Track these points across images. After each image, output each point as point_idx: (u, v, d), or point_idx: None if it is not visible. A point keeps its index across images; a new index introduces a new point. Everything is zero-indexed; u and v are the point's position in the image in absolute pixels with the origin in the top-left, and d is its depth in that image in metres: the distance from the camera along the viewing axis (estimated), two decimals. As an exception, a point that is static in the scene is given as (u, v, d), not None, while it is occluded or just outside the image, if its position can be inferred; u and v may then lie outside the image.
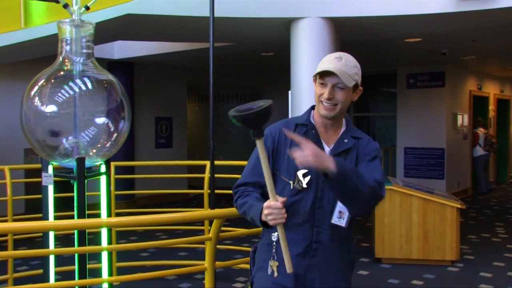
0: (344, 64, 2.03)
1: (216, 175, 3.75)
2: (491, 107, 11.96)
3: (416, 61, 9.52)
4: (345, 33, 5.95)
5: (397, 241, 5.63)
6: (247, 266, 4.83)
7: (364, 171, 2.03)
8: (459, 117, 10.29)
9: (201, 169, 5.32)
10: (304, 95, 5.36)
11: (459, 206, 5.56)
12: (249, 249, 5.88)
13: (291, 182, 2.08)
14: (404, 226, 5.61)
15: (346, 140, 2.12)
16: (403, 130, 10.26)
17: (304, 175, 2.07)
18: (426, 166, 10.00)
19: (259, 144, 1.87)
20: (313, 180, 2.07)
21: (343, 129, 2.16)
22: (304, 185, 2.06)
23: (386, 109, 11.26)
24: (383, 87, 11.64)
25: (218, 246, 3.80)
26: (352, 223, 2.13)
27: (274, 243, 2.10)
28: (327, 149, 2.11)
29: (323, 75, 2.04)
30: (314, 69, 2.13)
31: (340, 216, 2.08)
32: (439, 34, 6.68)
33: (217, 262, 3.03)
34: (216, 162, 3.96)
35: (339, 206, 2.06)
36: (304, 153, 1.81)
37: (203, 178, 5.24)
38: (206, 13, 4.08)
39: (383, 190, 2.05)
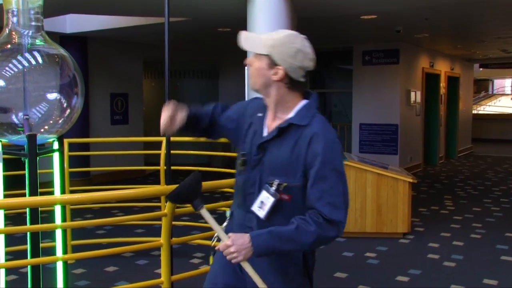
0: (266, 34, 1.90)
1: (172, 151, 3.72)
2: (442, 84, 12.30)
3: (372, 38, 9.65)
4: (302, 10, 5.96)
5: (352, 215, 5.77)
6: (204, 242, 4.86)
7: (311, 195, 1.82)
8: (412, 94, 10.54)
9: (157, 145, 5.27)
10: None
11: (411, 180, 5.74)
12: (206, 225, 5.87)
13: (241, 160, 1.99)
14: (359, 200, 5.76)
15: (284, 125, 1.91)
16: (358, 107, 10.43)
17: (243, 155, 1.97)
18: (380, 142, 10.23)
19: (204, 214, 1.87)
20: (248, 163, 1.94)
21: (290, 115, 1.92)
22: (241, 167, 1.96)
23: (342, 85, 11.40)
24: (339, 63, 11.76)
25: (175, 223, 3.81)
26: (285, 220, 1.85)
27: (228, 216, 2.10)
28: (265, 134, 1.95)
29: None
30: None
31: (261, 206, 1.89)
32: (393, 11, 6.79)
33: (173, 238, 3.04)
34: (172, 139, 3.93)
35: (263, 196, 1.89)
36: (228, 248, 1.76)
37: (159, 155, 5.20)
38: (160, -14, 3.99)
39: (335, 229, 1.81)
